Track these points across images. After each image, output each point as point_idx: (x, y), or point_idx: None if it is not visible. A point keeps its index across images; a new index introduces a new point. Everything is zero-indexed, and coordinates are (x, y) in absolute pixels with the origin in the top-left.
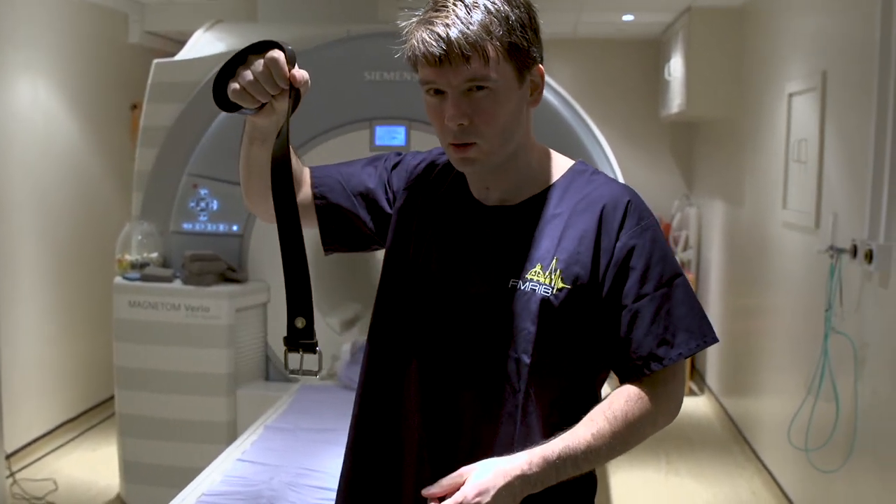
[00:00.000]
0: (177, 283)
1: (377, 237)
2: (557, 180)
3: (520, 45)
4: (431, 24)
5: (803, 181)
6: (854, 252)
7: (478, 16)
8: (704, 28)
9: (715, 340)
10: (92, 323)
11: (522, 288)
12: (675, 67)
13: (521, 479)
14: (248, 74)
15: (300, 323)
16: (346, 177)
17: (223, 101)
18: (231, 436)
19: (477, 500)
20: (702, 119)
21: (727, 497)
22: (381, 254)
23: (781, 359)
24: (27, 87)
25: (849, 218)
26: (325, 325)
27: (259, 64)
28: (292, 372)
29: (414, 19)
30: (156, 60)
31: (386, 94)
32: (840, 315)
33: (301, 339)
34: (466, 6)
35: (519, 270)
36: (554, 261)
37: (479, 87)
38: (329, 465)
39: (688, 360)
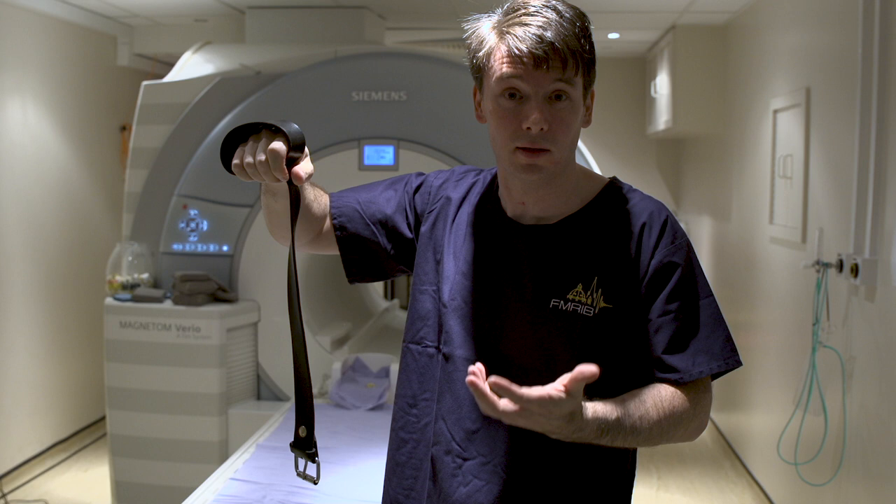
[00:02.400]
0: (167, 304)
1: (400, 263)
2: (594, 198)
3: (593, 63)
4: (526, 24)
5: (789, 196)
6: (840, 266)
7: (568, 26)
8: (689, 46)
9: (737, 364)
10: (83, 344)
11: (563, 308)
12: (661, 84)
13: (579, 431)
14: (249, 158)
15: (302, 432)
16: (364, 204)
17: (228, 161)
18: (223, 455)
19: (548, 417)
20: (688, 135)
21: None
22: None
23: (770, 373)
24: (17, 110)
25: (835, 232)
26: (315, 344)
27: (261, 153)
28: (298, 474)
29: (486, 21)
30: (145, 82)
31: (374, 113)
32: (827, 329)
33: (301, 446)
34: (558, 12)
35: (560, 290)
36: (594, 279)
37: (558, 97)
38: (321, 483)
39: (709, 382)
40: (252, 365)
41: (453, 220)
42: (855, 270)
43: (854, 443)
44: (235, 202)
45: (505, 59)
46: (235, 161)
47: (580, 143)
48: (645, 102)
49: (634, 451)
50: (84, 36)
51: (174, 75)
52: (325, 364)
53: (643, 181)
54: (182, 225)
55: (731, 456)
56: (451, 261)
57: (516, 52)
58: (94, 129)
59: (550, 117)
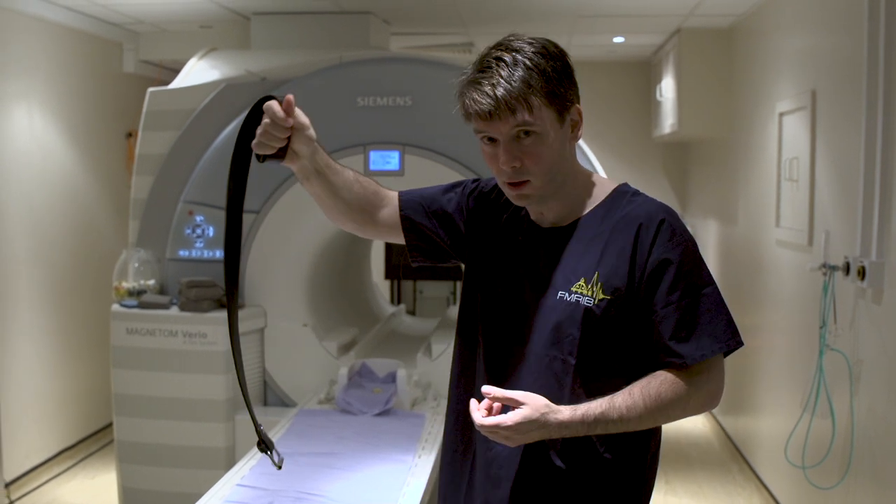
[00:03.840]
0: (174, 310)
1: (453, 252)
2: (601, 202)
3: (557, 92)
4: (480, 84)
5: (795, 199)
6: (847, 269)
7: (519, 73)
8: (694, 49)
9: (739, 345)
10: (90, 350)
11: (568, 299)
12: (667, 88)
13: (559, 426)
14: (260, 128)
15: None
16: (427, 200)
17: (247, 157)
18: (230, 461)
19: (514, 429)
20: (694, 139)
21: None
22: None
23: (777, 376)
24: (23, 117)
25: (841, 235)
26: (322, 349)
27: (264, 120)
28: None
29: (463, 77)
30: (150, 89)
31: (379, 118)
32: (834, 332)
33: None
34: (508, 65)
35: (566, 284)
36: (596, 275)
37: (526, 133)
38: (327, 488)
39: (720, 364)
40: (258, 371)
41: (497, 224)
42: (862, 273)
43: (862, 446)
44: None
45: (470, 115)
46: (254, 142)
47: (586, 149)
48: (650, 106)
49: (656, 430)
50: (90, 43)
51: (180, 82)
52: (332, 369)
53: (649, 185)
54: (188, 231)
55: (738, 459)
56: (492, 259)
57: (472, 110)
58: (100, 135)
59: (520, 153)
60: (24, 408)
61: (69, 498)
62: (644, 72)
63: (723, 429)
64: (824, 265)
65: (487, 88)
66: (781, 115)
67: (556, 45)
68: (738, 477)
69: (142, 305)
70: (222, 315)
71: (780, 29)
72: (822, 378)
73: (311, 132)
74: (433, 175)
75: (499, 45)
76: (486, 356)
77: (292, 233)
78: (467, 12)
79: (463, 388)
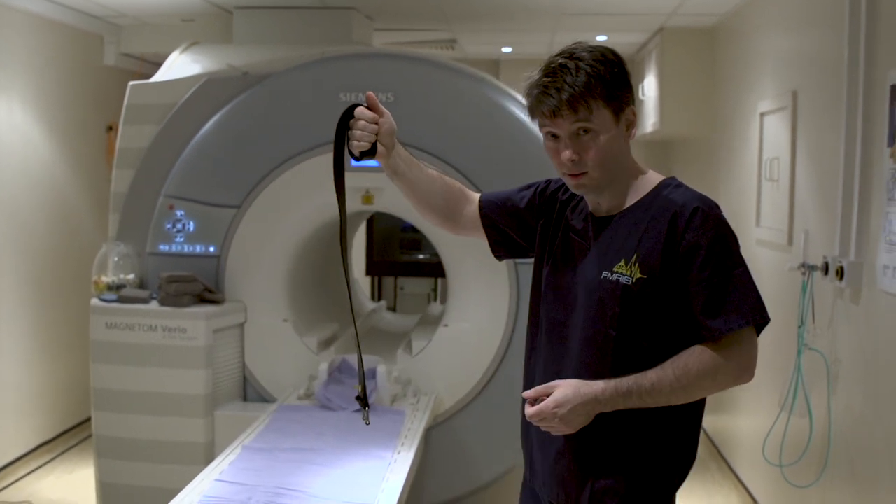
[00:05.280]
0: (153, 305)
1: (526, 244)
2: (648, 192)
3: (614, 94)
4: (546, 86)
5: (776, 199)
6: (826, 269)
7: (581, 78)
8: (677, 48)
9: (766, 320)
10: (68, 344)
11: (610, 278)
12: (649, 87)
13: (594, 401)
14: (357, 129)
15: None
16: (503, 201)
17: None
18: (209, 456)
19: (555, 410)
20: (676, 138)
21: None
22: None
23: (756, 375)
24: (2, 110)
25: (820, 235)
26: (302, 345)
27: (356, 122)
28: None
29: (531, 80)
30: (131, 82)
31: None
32: (813, 332)
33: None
34: (571, 71)
35: (609, 265)
36: (634, 256)
37: (585, 131)
38: (307, 483)
39: (752, 339)
40: (238, 366)
41: (562, 217)
42: (840, 273)
43: (839, 445)
44: (222, 203)
45: (536, 114)
46: (353, 143)
47: None
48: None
49: (692, 410)
50: (70, 35)
51: (161, 75)
52: (312, 365)
53: None
54: (168, 225)
55: (717, 458)
56: (555, 246)
57: (540, 109)
58: (80, 128)
59: (579, 149)
60: (2, 401)
61: (47, 492)
62: None
63: (702, 427)
64: (803, 265)
65: (553, 90)
66: (762, 114)
67: (614, 53)
68: (717, 475)
69: (121, 300)
70: (202, 310)
71: (762, 29)
72: (800, 377)
73: (393, 123)
74: None
75: (563, 53)
76: (546, 331)
77: (273, 228)
78: (450, 9)
79: (532, 365)
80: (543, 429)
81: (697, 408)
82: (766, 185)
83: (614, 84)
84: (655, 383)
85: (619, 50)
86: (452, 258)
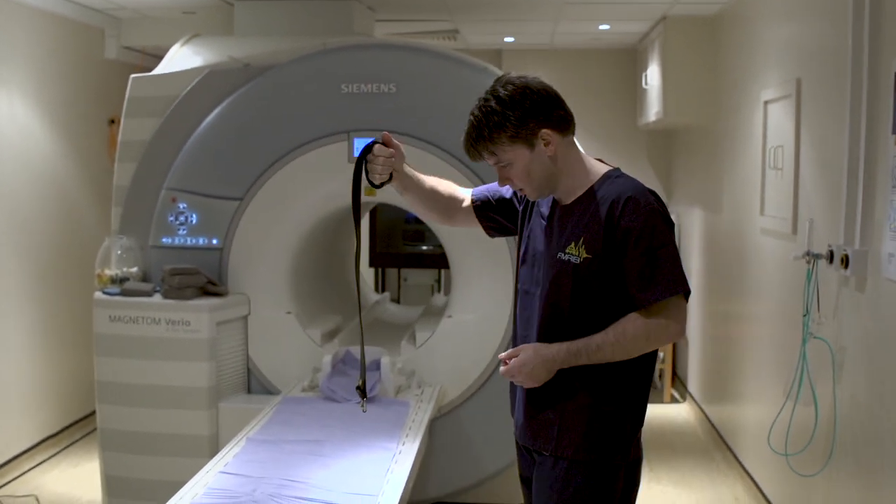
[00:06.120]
0: (157, 298)
1: (513, 227)
2: (594, 184)
3: (518, 133)
4: (467, 137)
5: (780, 188)
6: (830, 257)
7: (484, 131)
8: (680, 37)
9: (687, 291)
10: (72, 338)
11: (563, 258)
12: (652, 76)
13: (551, 361)
14: (378, 166)
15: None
16: (491, 191)
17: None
18: (213, 449)
19: (521, 368)
20: (679, 127)
21: (709, 503)
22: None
23: (761, 364)
24: (4, 103)
25: (825, 223)
26: (305, 337)
27: (376, 157)
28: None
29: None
30: (133, 75)
31: (363, 105)
32: (817, 320)
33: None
34: (472, 125)
35: (563, 246)
36: (581, 239)
37: (503, 164)
38: (311, 475)
39: (678, 305)
40: (242, 358)
41: (534, 204)
42: (845, 261)
43: (844, 433)
44: (225, 195)
45: None
46: (373, 176)
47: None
48: (636, 94)
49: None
50: (71, 29)
51: (162, 68)
52: (316, 357)
53: (634, 173)
54: (171, 218)
55: (722, 447)
56: (529, 229)
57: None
58: (82, 122)
59: (509, 175)
60: (6, 396)
61: (52, 486)
62: (630, 59)
63: (706, 417)
64: (808, 253)
65: (470, 141)
66: (766, 103)
67: (527, 89)
68: (722, 465)
69: (124, 293)
70: (205, 302)
71: (765, 17)
72: (805, 366)
73: (404, 153)
74: (416, 162)
75: (483, 97)
76: (520, 301)
77: (275, 220)
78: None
79: (514, 330)
80: (516, 384)
81: (645, 364)
82: (770, 173)
83: (520, 123)
84: (600, 344)
85: (622, 39)
86: (456, 249)
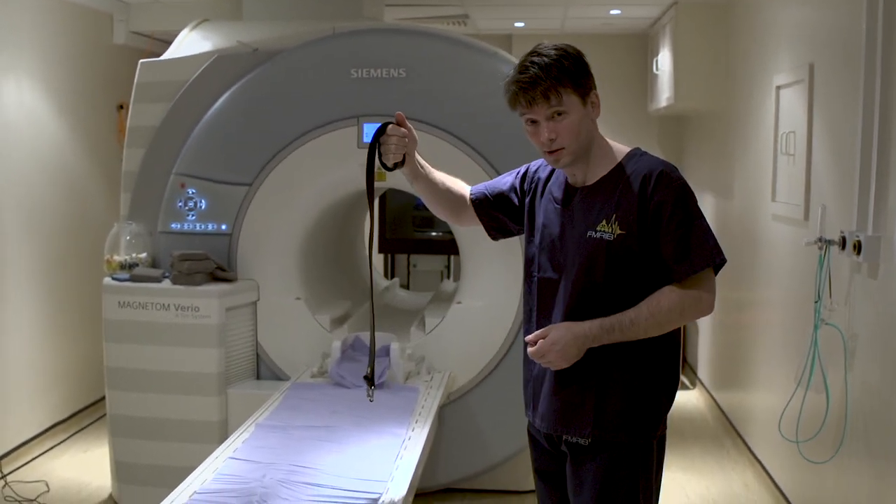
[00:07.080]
0: (166, 283)
1: (516, 224)
2: (618, 163)
3: (579, 83)
4: (521, 81)
5: (792, 173)
6: (843, 243)
7: (551, 72)
8: (691, 22)
9: (722, 262)
10: (82, 324)
11: (595, 236)
12: (663, 61)
13: (584, 337)
14: (392, 145)
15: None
16: (490, 188)
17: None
18: (222, 435)
19: (552, 346)
20: (690, 112)
21: (719, 490)
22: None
23: (772, 351)
24: (12, 89)
25: (837, 209)
26: (315, 322)
27: (389, 137)
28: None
29: (507, 78)
30: (142, 60)
31: (373, 90)
32: (829, 306)
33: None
34: (541, 66)
35: (593, 225)
36: (613, 216)
37: (558, 114)
38: (320, 461)
39: (710, 278)
40: (251, 344)
41: (542, 191)
42: (857, 247)
43: (855, 420)
44: (234, 181)
45: (516, 105)
46: (388, 156)
47: None
48: (647, 79)
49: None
50: (80, 14)
51: (171, 53)
52: (325, 343)
53: None
54: (180, 204)
55: (732, 434)
56: (540, 217)
57: (521, 101)
58: (90, 108)
59: (556, 129)
60: (16, 382)
61: (62, 472)
62: (641, 45)
63: (717, 403)
64: (820, 239)
65: (529, 85)
66: (778, 88)
67: (574, 48)
68: (732, 451)
69: (134, 279)
70: (215, 288)
71: (777, 2)
72: (816, 352)
73: (416, 137)
74: (426, 146)
75: (532, 53)
76: (539, 290)
77: (285, 206)
78: None
79: (529, 326)
80: (543, 365)
81: (673, 335)
82: (783, 159)
83: (578, 74)
84: (634, 319)
85: (633, 24)
86: (466, 235)
